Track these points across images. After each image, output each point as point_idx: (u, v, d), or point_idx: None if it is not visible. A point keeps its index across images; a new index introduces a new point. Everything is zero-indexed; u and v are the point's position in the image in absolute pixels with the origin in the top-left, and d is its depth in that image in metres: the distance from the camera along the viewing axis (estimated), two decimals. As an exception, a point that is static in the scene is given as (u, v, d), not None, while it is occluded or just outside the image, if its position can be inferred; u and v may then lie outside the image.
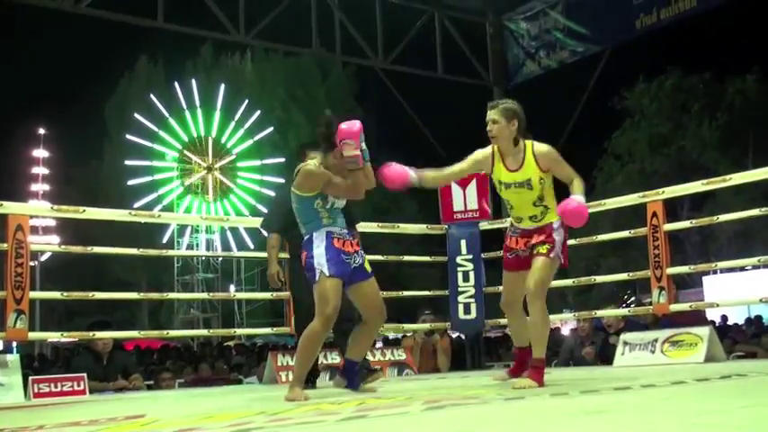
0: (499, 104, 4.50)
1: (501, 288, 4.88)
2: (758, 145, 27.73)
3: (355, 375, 4.72)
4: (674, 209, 25.21)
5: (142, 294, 12.04)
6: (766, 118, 27.76)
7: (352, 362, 4.70)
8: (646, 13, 11.41)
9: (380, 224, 8.14)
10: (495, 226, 8.12)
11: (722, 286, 20.37)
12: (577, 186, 4.39)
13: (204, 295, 28.42)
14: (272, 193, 31.89)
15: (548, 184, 4.47)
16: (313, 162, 4.42)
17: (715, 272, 20.13)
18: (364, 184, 4.40)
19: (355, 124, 4.29)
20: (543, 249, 4.42)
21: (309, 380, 5.72)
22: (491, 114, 4.47)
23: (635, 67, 28.14)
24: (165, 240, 29.59)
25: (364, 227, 8.55)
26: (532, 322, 4.45)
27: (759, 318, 14.47)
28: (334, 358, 6.63)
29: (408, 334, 8.16)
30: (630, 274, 7.77)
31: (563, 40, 12.51)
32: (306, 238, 4.44)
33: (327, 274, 4.30)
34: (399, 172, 4.49)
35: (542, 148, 4.47)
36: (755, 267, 20.09)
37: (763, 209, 6.41)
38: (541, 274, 4.39)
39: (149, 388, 7.69)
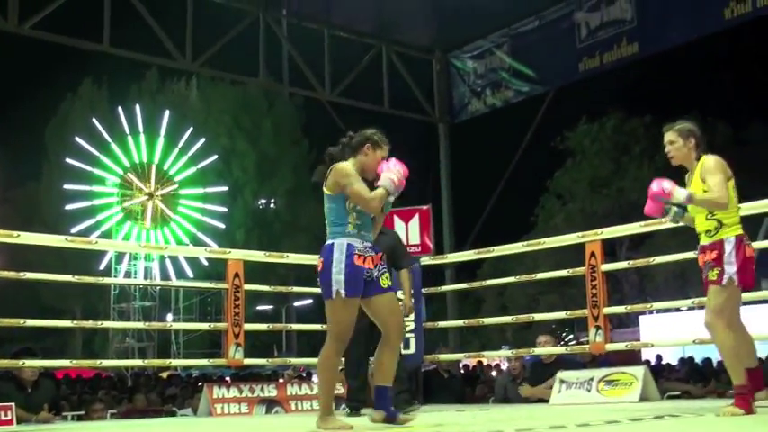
0: (674, 126, 4.59)
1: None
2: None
3: (389, 403, 4.30)
4: (613, 248, 25.61)
5: (75, 322, 11.86)
6: (703, 162, 28.43)
7: (382, 388, 4.29)
8: (589, 57, 11.67)
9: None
10: (437, 261, 8.15)
11: (658, 326, 20.68)
12: (704, 195, 4.33)
13: (140, 324, 27.88)
14: (214, 222, 31.70)
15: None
16: (346, 162, 4.39)
17: (651, 312, 20.44)
18: (382, 202, 4.28)
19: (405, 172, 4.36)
20: (713, 276, 4.33)
21: (356, 407, 5.79)
22: (667, 137, 4.59)
23: (578, 108, 28.65)
24: (102, 267, 28.98)
25: (306, 259, 8.51)
26: (720, 352, 4.37)
27: (692, 358, 14.72)
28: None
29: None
30: (569, 312, 7.84)
31: (508, 79, 12.71)
32: (327, 243, 4.25)
33: (344, 295, 4.13)
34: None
35: (706, 159, 4.47)
36: (690, 308, 20.42)
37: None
38: (713, 305, 4.31)
39: (80, 419, 7.49)
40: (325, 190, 4.32)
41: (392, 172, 4.31)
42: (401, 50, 13.22)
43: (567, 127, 30.36)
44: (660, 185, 4.43)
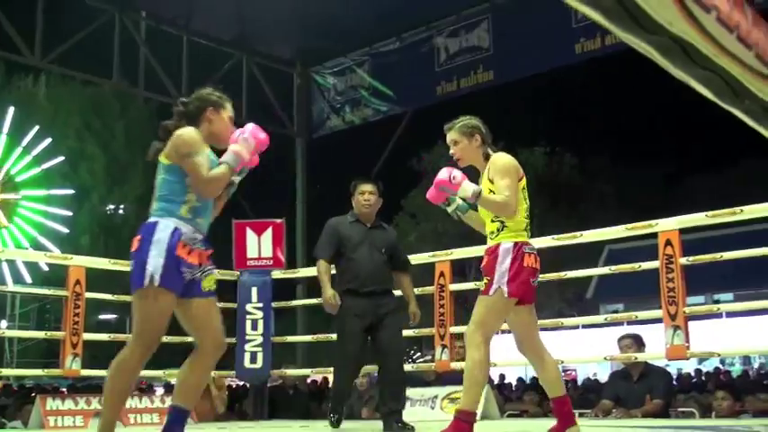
0: (455, 124, 4.10)
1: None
2: (541, 214, 29.53)
3: (180, 428, 3.52)
4: (463, 269, 26.25)
5: None
6: (551, 189, 29.61)
7: (178, 409, 3.53)
8: (447, 81, 11.95)
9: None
10: (288, 276, 8.09)
11: (503, 346, 21.34)
12: (491, 196, 3.89)
13: (-29, 331, 26.40)
14: (58, 226, 30.34)
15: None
16: (192, 129, 3.63)
17: (496, 332, 21.06)
18: (224, 184, 3.58)
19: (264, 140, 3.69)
20: (482, 285, 3.94)
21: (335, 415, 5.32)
22: (450, 136, 4.10)
23: (434, 130, 28.94)
24: (-69, 269, 27.25)
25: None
26: (465, 368, 3.99)
27: (534, 378, 15.28)
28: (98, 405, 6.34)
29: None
30: (416, 330, 7.94)
31: (368, 98, 12.85)
32: (150, 221, 3.50)
33: (158, 284, 3.37)
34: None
35: (496, 158, 3.99)
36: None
37: (546, 275, 6.76)
38: (476, 314, 3.93)
39: None
40: (161, 158, 3.59)
41: (240, 143, 3.58)
42: (262, 62, 13.12)
43: (424, 148, 30.94)
44: (450, 173, 3.89)
